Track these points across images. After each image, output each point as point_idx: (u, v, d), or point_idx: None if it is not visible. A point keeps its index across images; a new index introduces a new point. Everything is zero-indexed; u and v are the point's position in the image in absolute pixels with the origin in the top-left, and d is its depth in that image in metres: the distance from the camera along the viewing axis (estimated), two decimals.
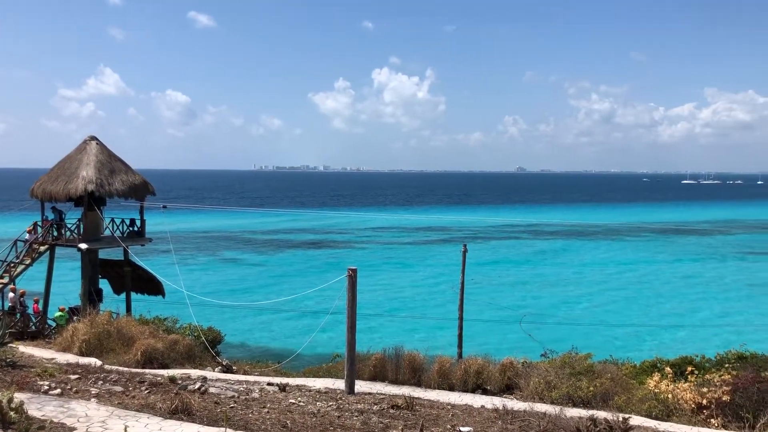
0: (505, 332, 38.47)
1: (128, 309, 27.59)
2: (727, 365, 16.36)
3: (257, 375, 18.01)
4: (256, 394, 13.22)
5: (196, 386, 12.95)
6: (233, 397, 12.58)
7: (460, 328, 22.26)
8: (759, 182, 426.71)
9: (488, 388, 16.23)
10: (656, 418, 13.28)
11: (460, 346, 21.88)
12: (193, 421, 10.01)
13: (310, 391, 14.40)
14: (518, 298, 52.65)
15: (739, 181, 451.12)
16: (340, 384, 15.17)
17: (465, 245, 23.35)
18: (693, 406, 13.80)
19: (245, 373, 18.58)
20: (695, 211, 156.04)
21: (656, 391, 14.22)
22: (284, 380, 15.74)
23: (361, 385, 15.47)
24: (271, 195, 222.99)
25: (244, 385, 14.37)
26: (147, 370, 16.18)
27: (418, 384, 16.52)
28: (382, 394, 14.56)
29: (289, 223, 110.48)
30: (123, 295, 29.16)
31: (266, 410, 11.52)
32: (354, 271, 14.23)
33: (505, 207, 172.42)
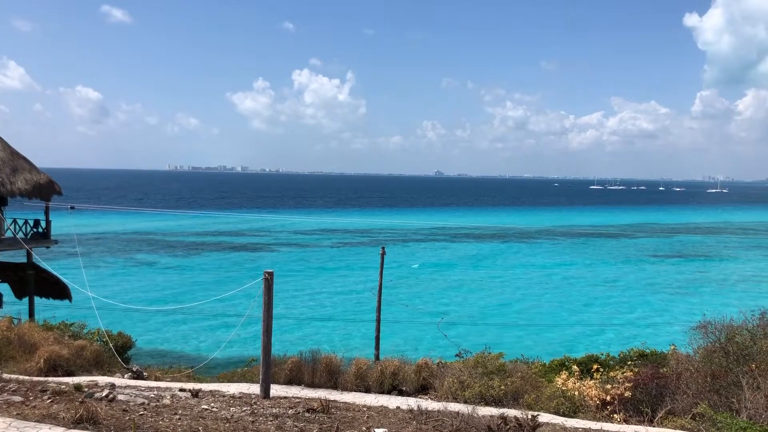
0: (425, 334, 39.06)
1: (31, 314, 26.27)
2: (629, 362, 17.18)
3: (169, 381, 17.51)
4: (167, 401, 12.85)
5: (104, 394, 12.47)
6: (143, 404, 12.18)
7: (378, 329, 22.41)
8: (660, 188, 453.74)
9: (404, 388, 16.42)
10: (563, 414, 13.79)
11: (377, 347, 22.02)
12: (99, 431, 9.64)
13: (224, 396, 14.13)
14: (439, 299, 53.50)
15: (643, 187, 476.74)
16: (255, 389, 14.98)
17: (383, 248, 23.53)
18: (598, 402, 14.41)
19: (157, 379, 18.02)
20: (603, 215, 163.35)
21: (564, 388, 14.77)
22: (197, 386, 15.38)
23: (277, 389, 15.33)
24: (189, 196, 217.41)
25: (155, 392, 13.94)
26: (50, 378, 15.44)
27: (335, 387, 16.51)
28: (297, 397, 14.47)
29: (206, 225, 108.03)
30: (26, 300, 27.71)
31: (177, 417, 11.23)
32: (270, 274, 14.08)
33: (424, 210, 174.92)
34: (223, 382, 17.71)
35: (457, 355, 18.71)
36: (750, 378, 11.86)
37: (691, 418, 12.52)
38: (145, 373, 18.33)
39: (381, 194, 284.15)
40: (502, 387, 14.50)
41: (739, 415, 11.05)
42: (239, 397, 14.04)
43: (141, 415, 11.15)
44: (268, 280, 14.00)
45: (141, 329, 35.96)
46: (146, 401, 12.47)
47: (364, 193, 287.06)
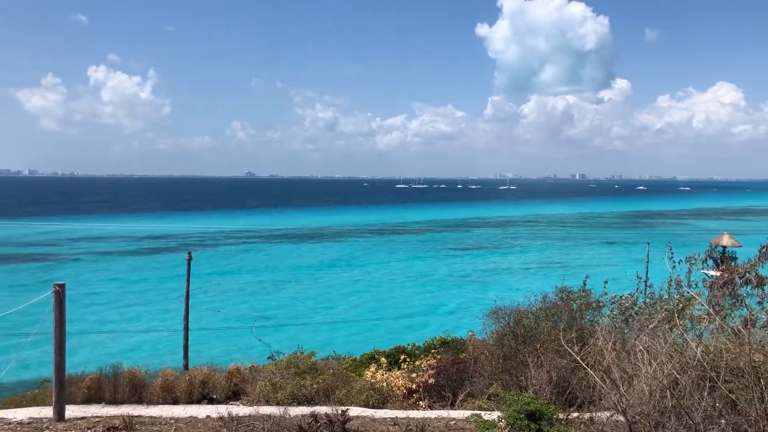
0: (243, 340, 38.22)
1: None
2: (433, 351, 18.22)
3: None
4: None
5: None
6: None
7: (186, 338, 21.61)
8: (459, 186, 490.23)
9: (215, 396, 15.96)
10: (373, 406, 14.26)
11: (186, 357, 21.23)
12: None
13: (9, 423, 12.78)
14: (251, 303, 52.76)
15: (443, 185, 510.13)
16: (48, 412, 13.72)
17: (189, 253, 22.73)
18: (404, 391, 15.12)
19: None
20: (408, 212, 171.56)
21: (373, 381, 15.30)
22: None
23: (73, 410, 14.16)
24: None
25: None
26: None
27: (140, 401, 15.62)
28: (97, 416, 13.50)
29: None
30: None
31: None
32: (61, 286, 12.97)
33: (234, 212, 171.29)
34: (9, 408, 15.98)
35: (269, 358, 18.60)
36: (534, 357, 13.10)
37: (487, 398, 13.58)
38: None
39: (189, 197, 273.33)
40: (314, 385, 14.66)
41: (527, 392, 12.16)
42: (28, 423, 12.80)
43: None
44: (59, 293, 12.90)
45: None
46: None
47: (170, 196, 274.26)
